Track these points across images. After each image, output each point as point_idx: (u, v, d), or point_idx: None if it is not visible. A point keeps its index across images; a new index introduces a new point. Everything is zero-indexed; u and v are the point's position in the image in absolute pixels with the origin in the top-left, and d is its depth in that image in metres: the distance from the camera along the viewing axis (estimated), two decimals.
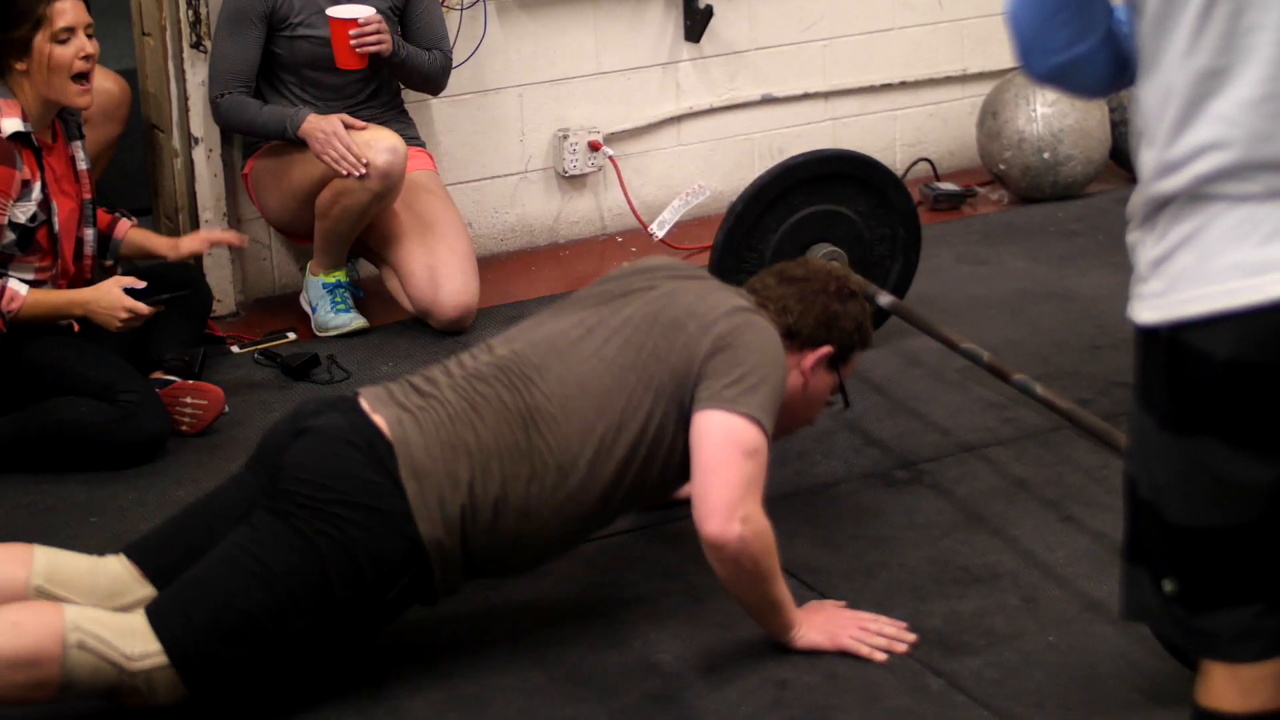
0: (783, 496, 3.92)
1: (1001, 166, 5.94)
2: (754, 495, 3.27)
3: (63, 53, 4.32)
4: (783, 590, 3.37)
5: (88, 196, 4.50)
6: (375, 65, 5.00)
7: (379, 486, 3.24)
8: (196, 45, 5.04)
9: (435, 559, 3.28)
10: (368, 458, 3.25)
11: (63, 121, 4.47)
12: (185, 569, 3.24)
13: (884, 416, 4.45)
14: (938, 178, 6.12)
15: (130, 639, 3.13)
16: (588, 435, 3.35)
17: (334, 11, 4.92)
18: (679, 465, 3.41)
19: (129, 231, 4.66)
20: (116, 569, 3.32)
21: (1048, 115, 5.82)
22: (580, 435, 3.35)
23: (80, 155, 4.50)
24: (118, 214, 4.69)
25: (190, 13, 5.02)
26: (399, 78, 5.17)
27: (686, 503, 3.40)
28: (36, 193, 4.32)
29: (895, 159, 6.09)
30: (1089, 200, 5.93)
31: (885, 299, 4.48)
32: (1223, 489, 2.25)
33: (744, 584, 3.31)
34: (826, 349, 3.57)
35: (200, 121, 5.09)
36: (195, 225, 5.14)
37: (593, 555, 3.78)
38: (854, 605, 3.56)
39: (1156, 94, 2.25)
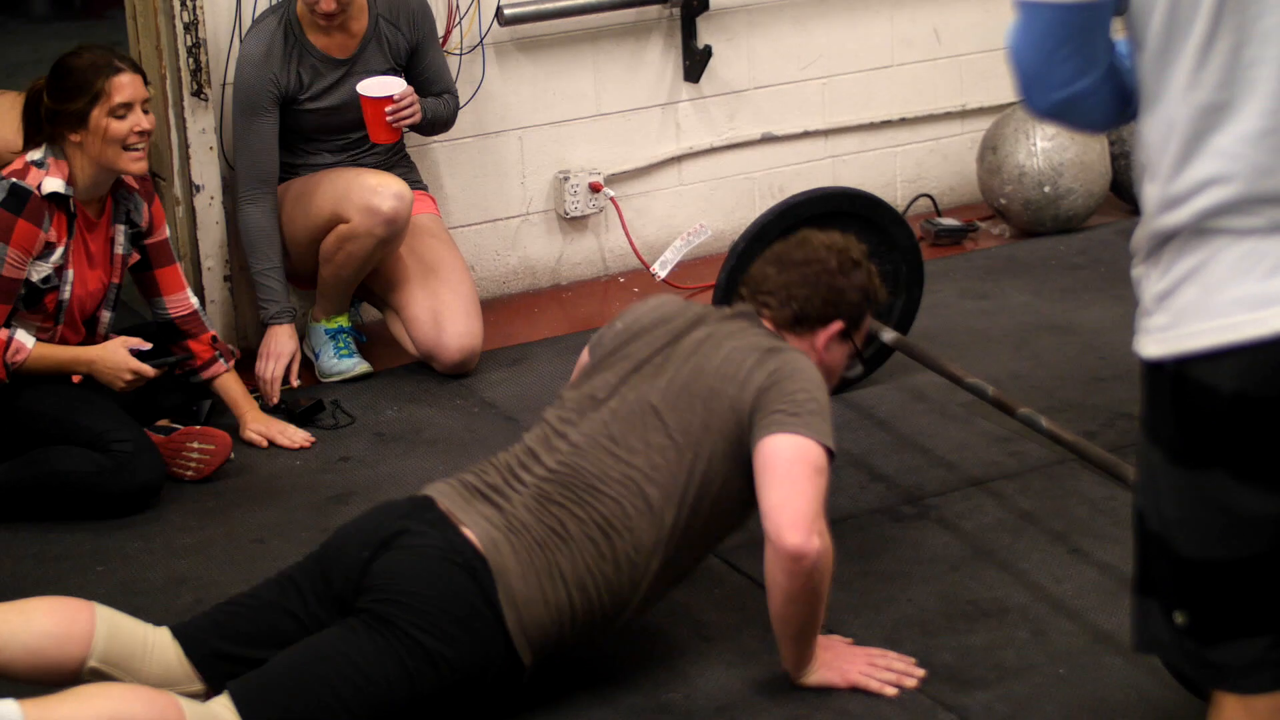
0: None
1: (1002, 201, 5.95)
2: (823, 513, 3.31)
3: (118, 127, 4.26)
4: (823, 615, 3.40)
5: (115, 281, 4.47)
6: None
7: (480, 615, 3.26)
8: (197, 93, 5.05)
9: (529, 668, 3.33)
10: (471, 582, 3.27)
11: (115, 201, 4.43)
12: (233, 670, 3.25)
13: (889, 452, 4.45)
14: (939, 213, 6.13)
15: None
16: (663, 522, 3.39)
17: (364, 89, 4.88)
18: (739, 501, 3.44)
19: (220, 379, 4.63)
20: (170, 659, 3.31)
21: (1048, 149, 5.83)
22: (657, 525, 3.38)
23: (120, 240, 4.45)
24: (218, 352, 4.64)
25: (190, 61, 5.03)
26: (418, 131, 5.17)
27: None
28: (57, 257, 4.30)
29: (896, 195, 6.10)
30: (1090, 233, 5.93)
31: (889, 335, 4.48)
32: (1231, 521, 2.25)
33: (803, 600, 3.31)
34: (837, 325, 3.59)
35: (202, 169, 5.10)
36: (198, 273, 5.15)
37: None
38: (862, 641, 3.56)
39: (1159, 129, 2.26)
